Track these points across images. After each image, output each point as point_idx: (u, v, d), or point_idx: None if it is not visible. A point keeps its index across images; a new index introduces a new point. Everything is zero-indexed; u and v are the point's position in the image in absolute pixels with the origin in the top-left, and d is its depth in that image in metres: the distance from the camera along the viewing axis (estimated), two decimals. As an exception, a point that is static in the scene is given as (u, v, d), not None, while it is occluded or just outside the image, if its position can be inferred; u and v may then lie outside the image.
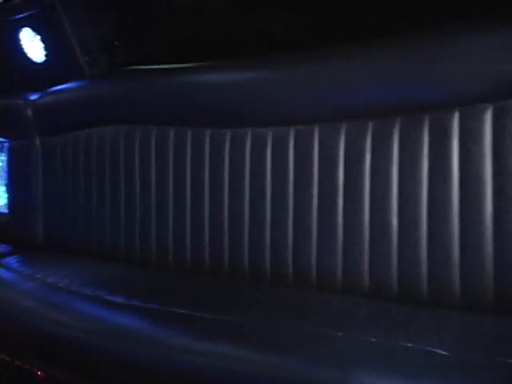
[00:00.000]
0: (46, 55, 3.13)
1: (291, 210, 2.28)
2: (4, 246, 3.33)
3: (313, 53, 2.27)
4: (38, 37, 3.11)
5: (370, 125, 2.09)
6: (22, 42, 3.18)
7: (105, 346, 2.04)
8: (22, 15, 3.06)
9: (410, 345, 1.60)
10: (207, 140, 2.49)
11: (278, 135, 2.30)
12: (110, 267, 2.73)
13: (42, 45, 3.12)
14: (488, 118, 1.87)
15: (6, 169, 3.50)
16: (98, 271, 2.68)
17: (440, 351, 1.55)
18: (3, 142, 3.47)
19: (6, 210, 3.52)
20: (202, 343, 1.85)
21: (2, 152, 3.67)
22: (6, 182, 3.57)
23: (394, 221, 2.03)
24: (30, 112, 3.14)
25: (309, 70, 2.26)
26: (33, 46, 3.16)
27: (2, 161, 3.71)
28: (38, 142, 3.15)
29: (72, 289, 2.41)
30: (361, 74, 2.12)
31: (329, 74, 2.20)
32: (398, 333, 1.71)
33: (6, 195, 3.62)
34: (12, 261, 2.97)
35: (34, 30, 3.10)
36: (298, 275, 2.27)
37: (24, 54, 3.20)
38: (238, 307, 2.05)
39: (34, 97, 3.16)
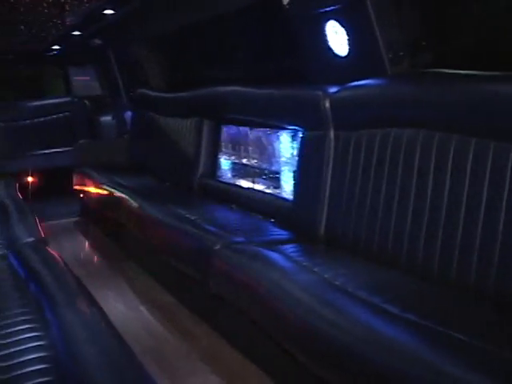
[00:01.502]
0: (349, 49, 3.20)
1: None
2: (285, 232, 3.50)
3: None
4: (343, 30, 3.18)
5: None
6: (326, 35, 3.28)
7: (372, 355, 2.04)
8: (329, 8, 3.16)
9: None
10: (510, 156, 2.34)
11: None
12: (388, 273, 2.72)
13: (346, 39, 3.18)
14: None
15: (296, 157, 3.68)
16: (375, 275, 2.69)
17: None
18: (297, 130, 3.65)
19: (291, 197, 3.71)
20: (477, 376, 1.74)
21: (295, 140, 3.87)
22: (294, 169, 3.76)
23: None
24: (327, 104, 3.24)
25: None
26: (337, 39, 3.24)
27: (294, 148, 3.91)
28: (331, 134, 3.24)
29: (348, 289, 2.46)
30: None
31: None
32: None
33: (293, 182, 3.81)
34: (291, 249, 3.11)
35: (339, 23, 3.18)
36: None
37: (328, 47, 3.30)
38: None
39: (332, 90, 3.26)
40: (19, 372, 1.98)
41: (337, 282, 2.55)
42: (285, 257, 2.93)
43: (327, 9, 3.17)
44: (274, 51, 4.59)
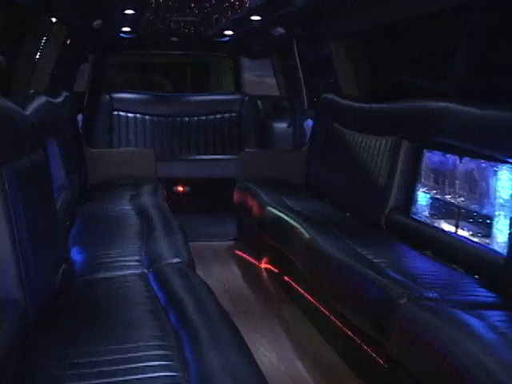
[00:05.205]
0: None
1: None
2: (492, 294, 3.47)
3: None
4: None
5: None
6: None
7: None
8: None
9: None
10: None
11: None
12: None
13: None
14: None
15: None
16: None
17: None
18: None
19: (505, 251, 3.63)
20: None
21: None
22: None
23: None
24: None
25: None
26: None
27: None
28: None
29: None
30: None
31: None
32: None
33: (509, 232, 3.73)
34: (498, 317, 3.10)
35: None
36: None
37: None
38: None
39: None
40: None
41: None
42: (488, 325, 2.92)
43: None
44: (499, 62, 4.54)
